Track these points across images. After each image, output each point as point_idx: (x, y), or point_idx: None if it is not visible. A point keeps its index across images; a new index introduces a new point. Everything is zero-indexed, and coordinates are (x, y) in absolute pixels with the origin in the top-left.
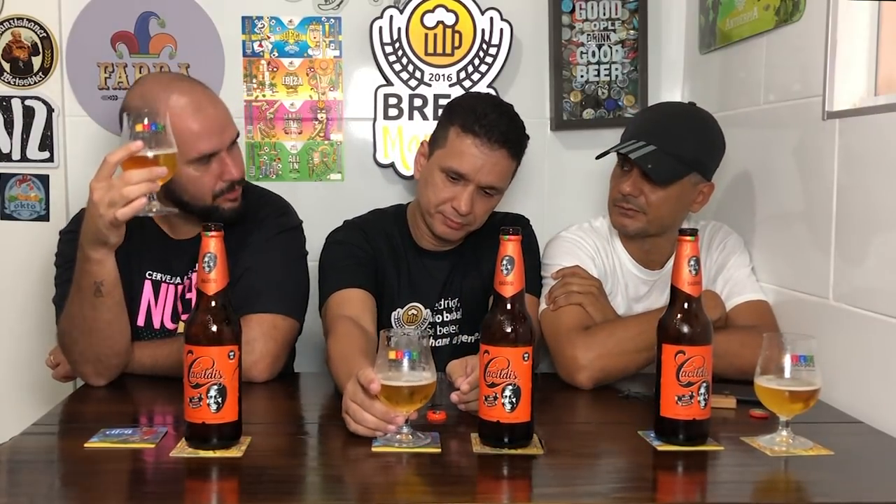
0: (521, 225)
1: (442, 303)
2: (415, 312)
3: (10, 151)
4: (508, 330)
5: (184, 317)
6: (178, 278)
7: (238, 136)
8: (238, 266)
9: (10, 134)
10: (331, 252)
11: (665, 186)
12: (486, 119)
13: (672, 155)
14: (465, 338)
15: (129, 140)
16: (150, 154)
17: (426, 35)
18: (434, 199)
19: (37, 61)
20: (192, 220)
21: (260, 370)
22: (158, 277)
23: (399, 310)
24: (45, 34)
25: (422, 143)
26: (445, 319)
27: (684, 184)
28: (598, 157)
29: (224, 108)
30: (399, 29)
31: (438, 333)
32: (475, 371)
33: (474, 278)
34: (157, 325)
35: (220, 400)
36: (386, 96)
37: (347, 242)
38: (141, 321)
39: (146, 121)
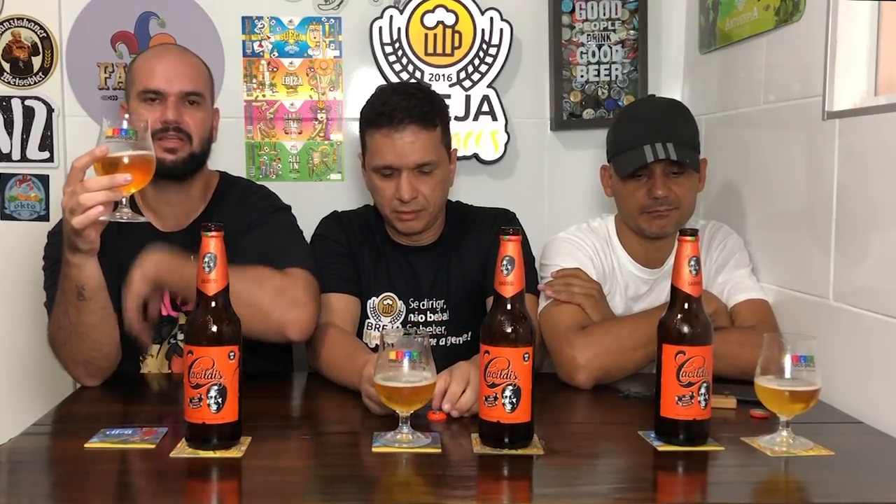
0: (507, 218)
1: (426, 303)
2: (390, 303)
3: (10, 151)
4: (508, 330)
5: (184, 308)
6: None
7: (199, 96)
8: (249, 240)
9: (10, 134)
10: (313, 247)
11: (695, 173)
12: (385, 107)
13: (686, 145)
14: (453, 339)
15: (99, 144)
16: (124, 160)
17: (426, 35)
18: (383, 201)
19: (37, 61)
20: (179, 211)
21: (301, 327)
22: None
23: (375, 298)
24: (45, 34)
25: (358, 156)
26: (430, 320)
27: None
28: (629, 175)
29: (192, 66)
30: (399, 29)
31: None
32: (452, 386)
33: (457, 277)
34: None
35: (220, 400)
36: None
37: (325, 236)
38: None
39: (120, 125)
